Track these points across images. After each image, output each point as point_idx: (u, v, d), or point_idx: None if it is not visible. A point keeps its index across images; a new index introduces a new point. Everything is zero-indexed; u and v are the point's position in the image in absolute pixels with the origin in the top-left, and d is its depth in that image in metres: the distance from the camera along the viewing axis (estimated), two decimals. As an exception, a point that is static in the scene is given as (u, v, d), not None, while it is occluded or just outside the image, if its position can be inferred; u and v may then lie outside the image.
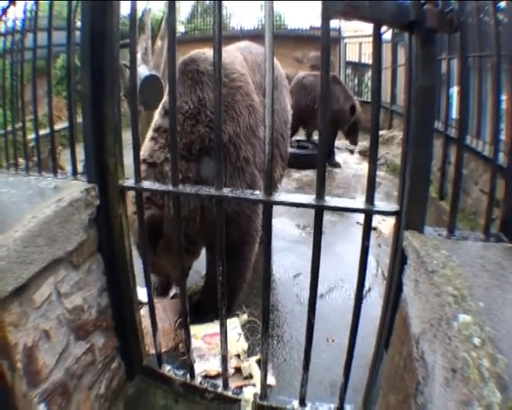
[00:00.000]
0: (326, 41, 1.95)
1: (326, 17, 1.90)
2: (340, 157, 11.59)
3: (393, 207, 2.12)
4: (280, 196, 2.32)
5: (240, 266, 3.88)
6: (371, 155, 2.07)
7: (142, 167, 2.92)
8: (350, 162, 10.95)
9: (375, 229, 6.44)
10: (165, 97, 3.62)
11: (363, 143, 11.59)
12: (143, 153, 3.35)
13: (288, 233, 6.41)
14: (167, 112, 3.35)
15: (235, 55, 4.13)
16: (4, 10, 4.19)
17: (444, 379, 1.36)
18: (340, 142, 12.97)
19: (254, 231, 3.89)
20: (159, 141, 3.43)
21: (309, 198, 2.22)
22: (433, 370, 1.50)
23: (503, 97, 2.26)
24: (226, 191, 2.38)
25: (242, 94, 3.68)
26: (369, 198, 2.11)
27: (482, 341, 1.28)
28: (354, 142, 11.15)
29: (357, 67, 18.75)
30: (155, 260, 3.33)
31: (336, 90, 9.98)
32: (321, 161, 2.13)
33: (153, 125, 3.60)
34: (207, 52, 3.65)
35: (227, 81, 3.53)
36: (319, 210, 2.19)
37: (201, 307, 4.02)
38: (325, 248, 5.31)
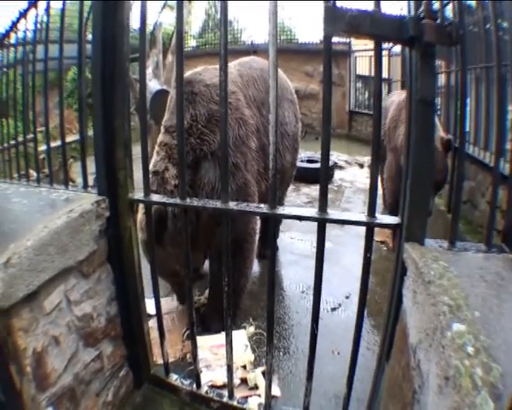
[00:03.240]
0: (328, 57, 1.99)
1: (328, 35, 1.94)
2: (349, 172, 11.58)
3: (395, 219, 2.14)
4: (284, 209, 2.36)
5: (240, 264, 4.01)
6: (372, 169, 2.10)
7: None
8: (359, 177, 10.90)
9: (383, 242, 6.46)
10: (166, 115, 3.99)
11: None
12: (150, 164, 3.66)
13: (296, 247, 6.43)
14: (167, 129, 3.85)
15: (230, 72, 4.24)
16: (15, 22, 4.24)
17: (437, 387, 1.38)
18: (351, 156, 12.96)
19: (252, 230, 4.10)
20: (160, 153, 3.78)
21: (312, 211, 2.25)
22: (427, 378, 1.52)
23: (510, 108, 2.27)
24: (232, 205, 2.43)
25: (232, 109, 3.93)
26: (371, 211, 2.13)
27: (476, 350, 1.28)
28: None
29: (368, 80, 18.70)
30: (162, 254, 3.56)
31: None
32: (323, 175, 2.17)
33: (157, 140, 3.93)
34: (203, 73, 4.01)
35: (217, 99, 3.75)
36: (322, 223, 2.22)
37: (208, 317, 4.11)
38: (334, 262, 5.32)
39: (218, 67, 3.85)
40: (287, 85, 5.30)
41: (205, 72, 4.04)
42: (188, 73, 3.95)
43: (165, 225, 3.54)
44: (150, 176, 3.42)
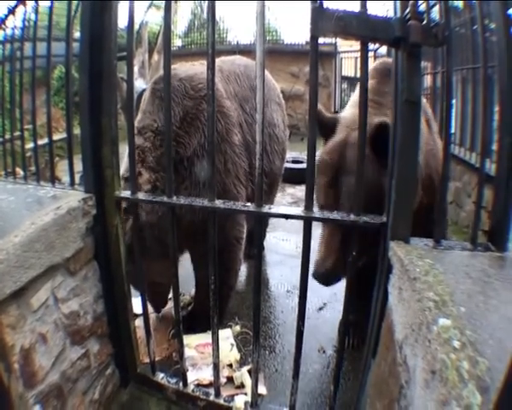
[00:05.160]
0: (315, 58, 2.01)
1: (314, 35, 1.96)
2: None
3: (380, 218, 2.16)
4: (270, 208, 2.38)
5: (223, 274, 3.76)
6: (358, 167, 2.12)
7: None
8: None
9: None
10: (138, 116, 3.70)
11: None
12: (122, 169, 3.30)
13: (281, 247, 6.43)
14: (139, 131, 3.53)
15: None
16: (3, 19, 4.22)
17: (424, 381, 1.39)
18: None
19: (235, 239, 3.95)
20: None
21: (298, 210, 2.27)
22: (414, 373, 1.54)
23: (496, 108, 2.29)
24: (218, 203, 2.44)
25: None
26: (357, 211, 2.16)
27: (462, 344, 1.30)
28: None
29: (353, 81, 18.66)
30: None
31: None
32: (309, 173, 2.18)
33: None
34: (177, 68, 3.78)
35: (192, 93, 3.61)
36: (308, 221, 2.24)
37: (194, 317, 4.05)
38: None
39: (195, 63, 3.72)
40: (274, 88, 5.12)
41: (180, 67, 3.87)
42: (162, 71, 3.80)
43: (143, 240, 3.25)
44: (122, 182, 3.22)
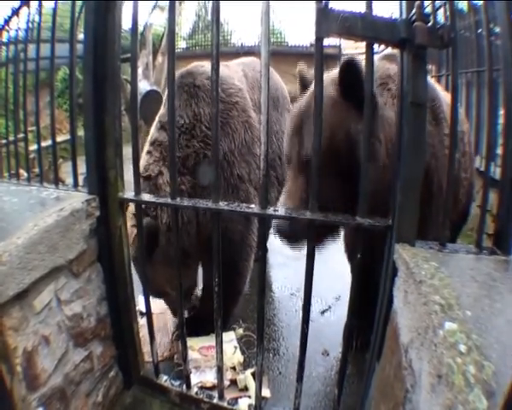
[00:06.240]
0: (320, 59, 2.01)
1: (320, 36, 1.95)
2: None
3: (385, 221, 2.15)
4: (275, 209, 2.36)
5: (233, 280, 3.86)
6: (363, 169, 2.10)
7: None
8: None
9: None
10: (162, 110, 3.67)
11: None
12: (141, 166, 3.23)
13: (285, 249, 6.38)
14: (163, 125, 3.46)
15: (235, 70, 4.14)
16: (7, 21, 4.22)
17: (430, 385, 1.38)
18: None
19: (248, 247, 3.92)
20: (154, 154, 3.45)
21: (302, 212, 2.26)
22: (419, 377, 1.52)
23: (501, 112, 2.28)
24: (222, 205, 2.42)
25: (239, 110, 3.71)
26: (362, 212, 2.15)
27: (468, 348, 1.29)
28: None
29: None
30: (151, 273, 3.21)
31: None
32: (315, 175, 2.16)
33: (149, 138, 3.61)
34: (206, 65, 3.67)
35: (224, 96, 3.56)
36: (312, 223, 2.23)
37: (198, 320, 4.02)
38: (323, 265, 5.26)
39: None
40: (286, 94, 5.10)
41: (207, 65, 3.66)
42: (188, 66, 3.74)
43: (156, 241, 3.27)
44: (141, 181, 3.10)
